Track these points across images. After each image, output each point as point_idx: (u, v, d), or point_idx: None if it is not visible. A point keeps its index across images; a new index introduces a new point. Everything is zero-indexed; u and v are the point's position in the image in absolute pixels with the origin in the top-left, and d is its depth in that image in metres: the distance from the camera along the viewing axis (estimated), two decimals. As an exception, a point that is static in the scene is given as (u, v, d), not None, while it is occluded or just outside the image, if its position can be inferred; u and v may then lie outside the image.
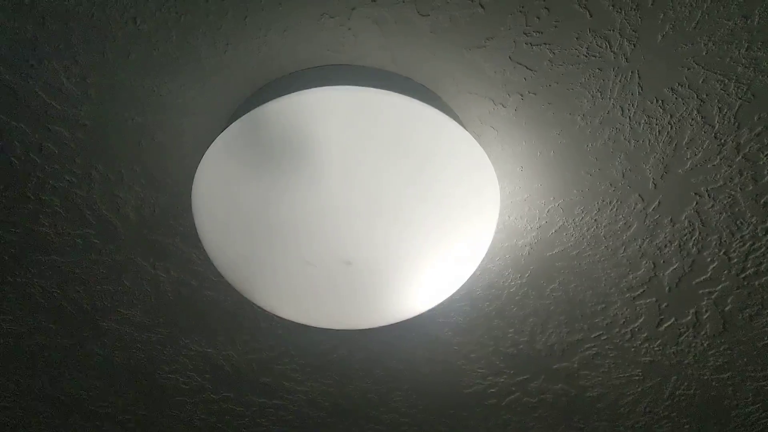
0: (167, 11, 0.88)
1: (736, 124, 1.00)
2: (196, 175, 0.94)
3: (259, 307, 1.32)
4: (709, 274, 1.21)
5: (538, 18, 0.88)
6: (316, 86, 0.89)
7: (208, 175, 0.92)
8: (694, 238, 1.15)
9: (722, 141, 1.02)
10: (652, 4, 0.86)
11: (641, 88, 0.95)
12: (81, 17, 0.88)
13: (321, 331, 1.36)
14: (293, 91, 0.88)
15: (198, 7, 0.87)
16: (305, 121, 0.85)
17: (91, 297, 1.29)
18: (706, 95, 0.96)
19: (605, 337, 1.35)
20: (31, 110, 0.99)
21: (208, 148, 1.04)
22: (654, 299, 1.27)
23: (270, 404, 1.55)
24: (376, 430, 1.60)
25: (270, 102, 0.86)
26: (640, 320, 1.31)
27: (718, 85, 0.95)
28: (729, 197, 1.09)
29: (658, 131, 1.00)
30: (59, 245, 1.19)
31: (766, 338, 1.33)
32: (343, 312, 1.04)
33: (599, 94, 0.96)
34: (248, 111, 0.89)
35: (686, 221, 1.13)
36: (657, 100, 0.97)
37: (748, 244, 1.15)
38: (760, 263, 1.19)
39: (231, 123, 0.92)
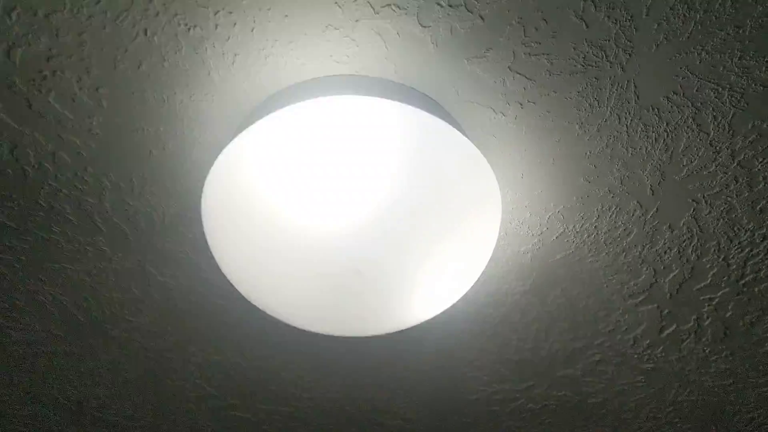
0: (177, 24, 0.91)
1: (731, 131, 1.02)
2: (205, 184, 0.96)
3: (267, 315, 1.34)
4: (709, 281, 1.23)
5: (536, 29, 0.90)
6: (322, 96, 0.92)
7: (217, 183, 0.94)
8: (693, 245, 1.17)
9: (717, 148, 1.04)
10: (646, 15, 0.89)
11: (637, 96, 0.98)
12: (93, 29, 0.91)
13: (328, 338, 1.38)
14: (299, 101, 0.91)
15: (207, 19, 0.90)
16: (311, 130, 0.88)
17: (100, 304, 1.31)
18: (701, 103, 0.99)
19: (608, 344, 1.36)
20: (45, 120, 1.01)
21: (217, 156, 1.06)
22: (655, 306, 1.28)
23: (277, 411, 1.56)
24: (381, 438, 1.61)
25: (277, 111, 0.89)
26: (642, 327, 1.32)
27: (712, 94, 0.97)
28: (725, 204, 1.11)
29: (654, 139, 1.03)
30: (69, 253, 1.21)
31: (767, 344, 1.34)
32: (349, 320, 1.05)
33: (596, 102, 0.98)
34: (256, 121, 0.91)
35: (684, 227, 1.15)
36: (653, 109, 0.99)
37: (746, 250, 1.17)
38: (759, 269, 1.20)
39: (239, 132, 0.94)
